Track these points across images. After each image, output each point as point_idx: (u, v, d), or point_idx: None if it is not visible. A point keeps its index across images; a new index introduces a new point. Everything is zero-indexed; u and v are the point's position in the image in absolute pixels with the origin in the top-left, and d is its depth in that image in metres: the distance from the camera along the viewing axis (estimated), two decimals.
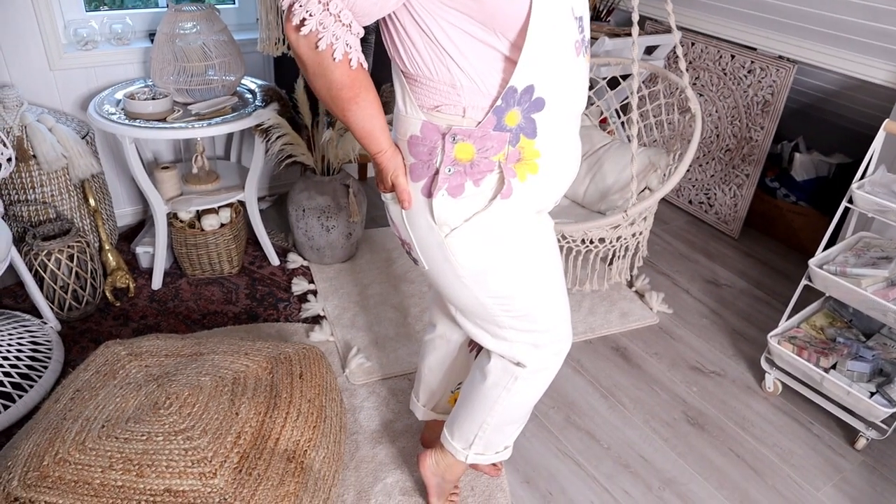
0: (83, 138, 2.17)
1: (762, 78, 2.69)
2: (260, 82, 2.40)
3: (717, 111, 2.92)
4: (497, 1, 0.91)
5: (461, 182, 1.05)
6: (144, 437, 1.32)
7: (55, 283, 2.03)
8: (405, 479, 1.67)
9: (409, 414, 1.86)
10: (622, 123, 2.85)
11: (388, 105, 1.23)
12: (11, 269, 1.95)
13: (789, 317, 2.04)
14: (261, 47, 2.25)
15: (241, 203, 2.41)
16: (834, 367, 1.87)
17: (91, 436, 1.33)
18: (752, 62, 2.72)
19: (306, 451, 1.44)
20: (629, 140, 2.68)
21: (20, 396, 1.78)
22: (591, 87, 2.66)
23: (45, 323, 2.04)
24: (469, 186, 1.05)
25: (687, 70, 2.99)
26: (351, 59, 0.95)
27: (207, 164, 2.38)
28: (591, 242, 2.16)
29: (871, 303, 1.75)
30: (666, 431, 1.88)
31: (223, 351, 1.63)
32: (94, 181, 2.25)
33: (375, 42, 2.30)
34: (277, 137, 2.17)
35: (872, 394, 1.78)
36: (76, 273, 2.07)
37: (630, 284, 2.53)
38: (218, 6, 2.45)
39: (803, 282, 1.93)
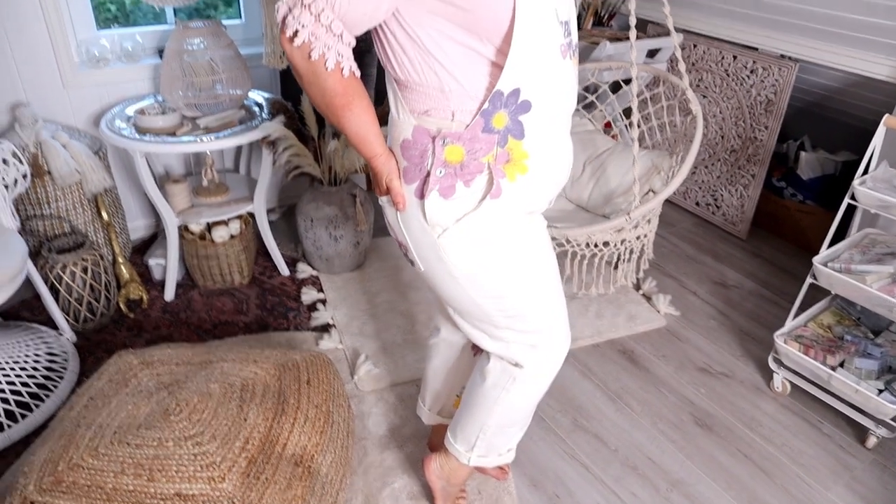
0: (96, 153, 2.23)
1: (764, 78, 2.70)
2: (267, 95, 2.45)
3: (720, 112, 2.92)
4: (481, 9, 0.94)
5: (452, 183, 1.07)
6: (155, 443, 1.36)
7: (70, 296, 2.08)
8: (413, 483, 1.69)
9: (416, 420, 1.87)
10: (625, 126, 2.87)
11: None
12: (29, 282, 2.01)
13: (796, 316, 2.04)
14: (266, 61, 2.30)
15: (251, 214, 2.45)
16: (842, 365, 1.86)
17: (104, 442, 1.36)
18: (754, 62, 2.72)
19: (314, 455, 1.47)
20: (632, 143, 2.69)
21: (37, 406, 1.82)
22: (594, 92, 2.68)
23: (61, 334, 2.09)
24: (460, 187, 1.08)
25: (690, 72, 3.01)
26: (343, 68, 0.98)
27: (217, 176, 2.43)
28: (596, 246, 2.17)
29: (877, 299, 1.74)
30: (674, 433, 1.88)
31: (232, 359, 1.66)
32: (106, 195, 2.30)
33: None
34: (284, 149, 2.21)
35: (881, 391, 1.77)
36: (90, 285, 2.12)
37: (637, 287, 2.53)
38: (224, 22, 2.50)
39: (808, 280, 1.93)
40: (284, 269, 2.55)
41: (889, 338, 1.95)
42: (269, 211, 2.91)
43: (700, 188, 3.10)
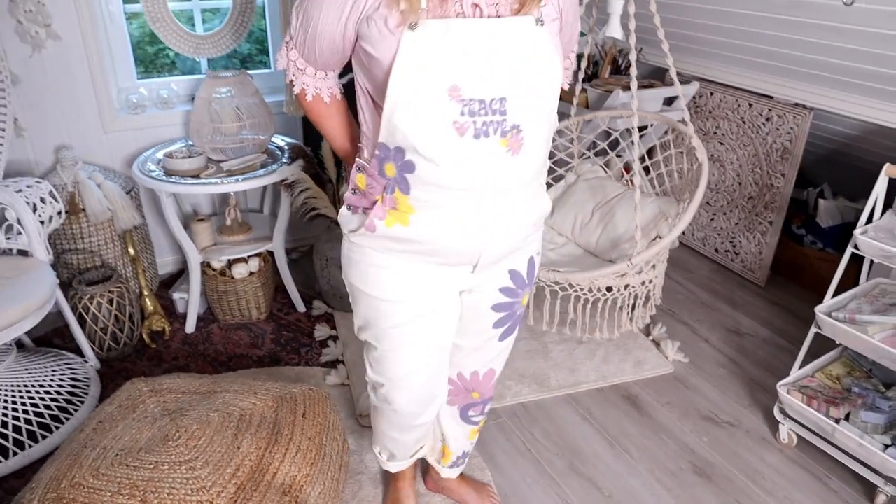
0: (128, 193, 2.39)
1: (780, 125, 2.70)
2: (289, 140, 2.59)
3: (738, 159, 2.93)
4: (371, 69, 1.07)
5: (356, 202, 1.22)
6: (152, 466, 1.43)
7: (96, 325, 2.22)
8: None
9: None
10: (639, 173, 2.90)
11: None
12: (61, 312, 2.15)
13: (803, 365, 2.00)
14: (287, 109, 2.45)
15: (270, 253, 2.57)
16: (847, 417, 1.81)
17: (105, 463, 1.44)
18: (770, 110, 2.74)
19: (302, 486, 1.51)
20: (642, 189, 2.72)
21: (57, 428, 1.93)
22: (605, 138, 2.73)
23: (87, 361, 2.21)
24: (360, 208, 1.22)
25: (707, 119, 3.04)
26: (320, 96, 1.24)
27: (240, 216, 2.56)
28: (599, 291, 2.19)
29: (881, 351, 1.71)
30: (670, 481, 1.85)
31: (234, 390, 1.73)
32: (135, 232, 2.46)
33: None
34: (301, 191, 2.33)
35: (888, 446, 1.72)
36: (116, 316, 2.25)
37: (647, 333, 2.52)
38: (254, 71, 2.68)
39: (813, 329, 1.91)
40: (301, 306, 2.65)
41: None
42: (291, 250, 3.04)
43: (719, 235, 3.08)
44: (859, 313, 1.84)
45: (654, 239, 2.31)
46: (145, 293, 2.43)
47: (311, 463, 1.56)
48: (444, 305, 1.30)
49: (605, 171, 2.72)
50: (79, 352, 2.25)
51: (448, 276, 1.26)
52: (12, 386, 1.96)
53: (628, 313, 2.30)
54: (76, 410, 2.01)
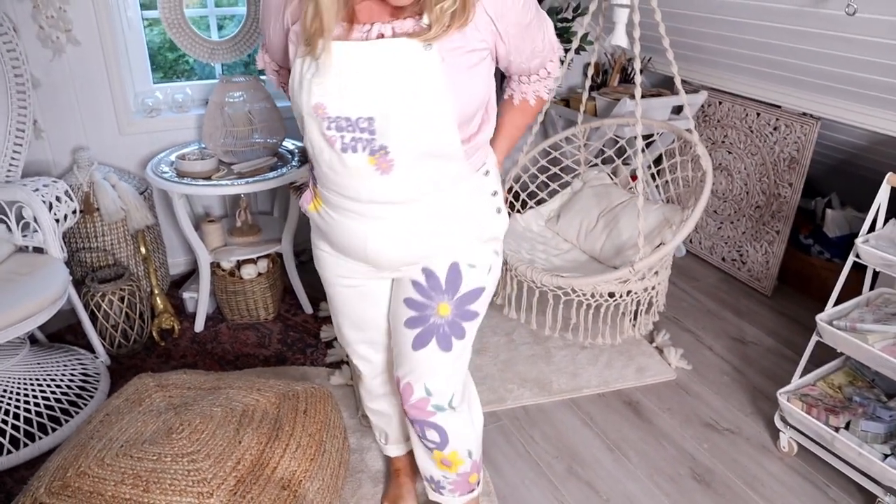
0: (141, 194, 2.45)
1: (787, 135, 2.71)
2: (299, 144, 2.64)
3: (745, 168, 2.93)
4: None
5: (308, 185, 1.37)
6: (155, 458, 1.47)
7: (107, 322, 2.27)
8: None
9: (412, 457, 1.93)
10: (646, 179, 2.92)
11: None
12: (74, 309, 2.21)
13: (806, 374, 2.00)
14: None
15: (279, 254, 2.61)
16: (847, 426, 1.81)
17: (110, 453, 1.48)
18: (777, 119, 2.74)
19: (301, 481, 1.54)
20: (648, 197, 2.74)
21: (66, 421, 1.98)
22: (612, 146, 2.75)
23: (97, 357, 2.27)
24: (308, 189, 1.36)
25: (715, 128, 3.05)
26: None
27: (250, 218, 2.61)
28: (602, 296, 2.20)
29: (880, 360, 1.71)
30: (669, 486, 1.86)
31: (238, 386, 1.77)
32: (148, 232, 2.51)
33: None
34: None
35: (887, 456, 1.71)
36: (126, 313, 2.30)
37: (650, 340, 2.53)
38: (263, 77, 2.73)
39: (814, 337, 1.91)
40: (308, 308, 2.69)
41: None
42: (300, 252, 3.08)
43: (726, 244, 3.08)
44: (861, 322, 1.84)
45: (658, 246, 2.32)
46: (156, 292, 2.48)
47: (311, 459, 1.59)
48: (368, 283, 1.42)
49: (612, 179, 2.73)
50: (90, 348, 2.30)
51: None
52: (24, 379, 2.01)
53: (631, 319, 2.31)
54: (86, 405, 2.06)
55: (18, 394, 1.97)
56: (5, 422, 1.91)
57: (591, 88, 3.06)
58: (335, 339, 2.50)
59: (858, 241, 1.81)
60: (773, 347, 2.51)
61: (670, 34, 2.10)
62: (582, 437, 2.04)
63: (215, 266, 2.52)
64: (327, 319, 2.63)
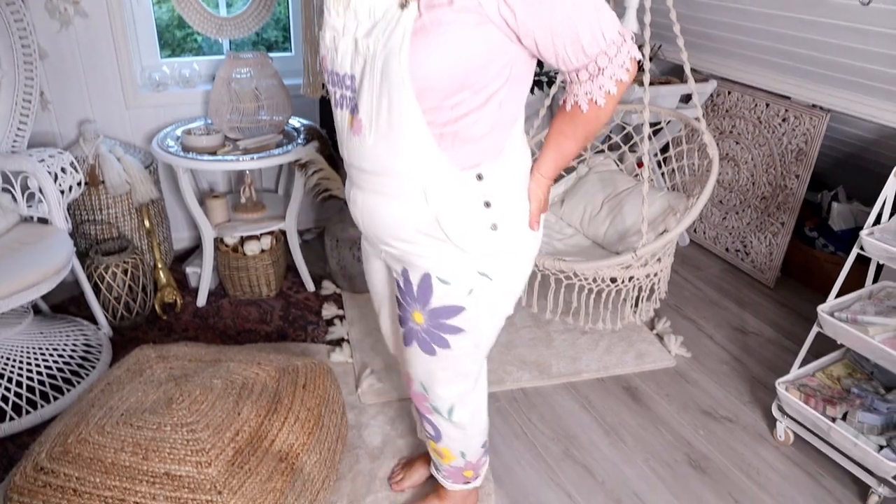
0: (147, 168, 2.46)
1: (796, 126, 2.69)
2: (305, 122, 2.64)
3: (752, 159, 2.91)
4: None
5: None
6: (155, 427, 1.48)
7: (110, 294, 2.28)
8: (397, 495, 1.75)
9: (411, 435, 1.94)
10: (652, 166, 2.90)
11: None
12: (77, 281, 2.22)
13: (805, 364, 2.00)
14: (303, 91, 2.49)
15: (283, 232, 2.62)
16: (844, 417, 1.81)
17: (111, 422, 1.50)
18: (786, 111, 2.72)
19: (299, 454, 1.56)
20: (654, 183, 2.73)
21: (68, 390, 2.00)
22: (620, 132, 2.74)
23: (100, 329, 2.28)
24: None
25: (724, 118, 3.03)
26: None
27: (255, 195, 2.61)
28: (603, 281, 2.20)
29: (880, 352, 1.71)
30: (664, 471, 1.87)
31: (239, 360, 1.78)
32: (152, 206, 2.52)
33: None
34: (314, 172, 2.38)
35: (882, 447, 1.72)
36: (129, 286, 2.31)
37: (651, 326, 2.53)
38: (276, 54, 2.72)
39: (815, 328, 1.91)
40: (310, 285, 2.69)
41: None
42: (305, 231, 3.09)
43: (730, 234, 3.07)
44: (863, 314, 1.84)
45: (662, 233, 2.32)
46: (159, 266, 2.49)
47: (309, 432, 1.61)
48: (370, 257, 1.47)
49: (618, 165, 2.72)
50: (93, 319, 2.32)
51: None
52: (28, 348, 2.03)
53: (632, 306, 2.31)
54: (87, 375, 2.08)
55: (21, 362, 1.99)
56: (8, 389, 1.93)
57: None
58: (336, 317, 2.51)
59: (863, 233, 1.80)
60: (774, 338, 2.51)
61: (681, 21, 2.08)
62: (579, 421, 2.05)
63: (219, 241, 2.52)
64: (329, 297, 2.64)
